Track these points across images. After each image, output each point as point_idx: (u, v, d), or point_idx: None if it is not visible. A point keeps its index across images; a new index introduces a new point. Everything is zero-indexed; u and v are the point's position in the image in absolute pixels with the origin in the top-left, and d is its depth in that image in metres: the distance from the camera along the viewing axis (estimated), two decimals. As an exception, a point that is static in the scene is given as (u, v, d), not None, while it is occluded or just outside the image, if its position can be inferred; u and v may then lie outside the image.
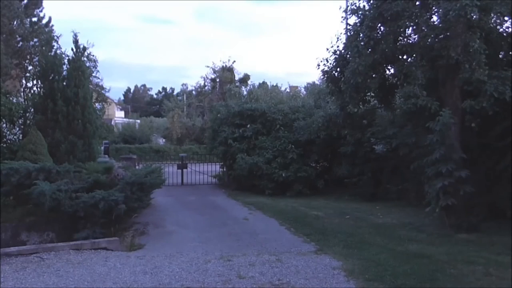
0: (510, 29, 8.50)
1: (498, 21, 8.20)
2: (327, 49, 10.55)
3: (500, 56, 8.54)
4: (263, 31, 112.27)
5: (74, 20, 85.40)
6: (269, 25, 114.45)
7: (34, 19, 17.35)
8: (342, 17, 10.04)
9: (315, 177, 13.21)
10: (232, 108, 14.37)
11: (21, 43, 15.84)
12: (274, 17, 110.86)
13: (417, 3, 8.35)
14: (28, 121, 12.35)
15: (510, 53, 8.40)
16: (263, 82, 30.88)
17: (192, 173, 15.68)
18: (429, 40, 8.09)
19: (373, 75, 9.25)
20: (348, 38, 9.62)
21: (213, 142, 14.88)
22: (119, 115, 51.54)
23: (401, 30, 8.54)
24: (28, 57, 15.75)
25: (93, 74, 18.01)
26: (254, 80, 39.75)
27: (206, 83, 30.95)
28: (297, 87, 28.17)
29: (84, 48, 13.01)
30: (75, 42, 12.46)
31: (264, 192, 12.67)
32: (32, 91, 13.64)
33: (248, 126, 13.86)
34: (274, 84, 29.17)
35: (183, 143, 31.73)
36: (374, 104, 11.79)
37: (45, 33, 15.90)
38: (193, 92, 37.83)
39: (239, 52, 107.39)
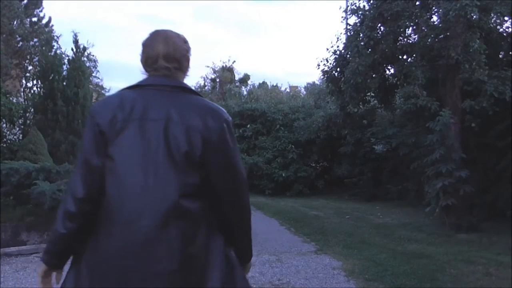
0: (510, 29, 8.52)
1: (498, 21, 8.20)
2: (327, 49, 10.56)
3: (500, 56, 8.55)
4: (263, 31, 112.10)
5: (74, 20, 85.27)
6: (269, 25, 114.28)
7: (34, 19, 17.35)
8: (342, 17, 10.06)
9: (315, 177, 13.22)
10: (232, 108, 14.39)
11: (21, 43, 15.84)
12: (274, 17, 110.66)
13: (417, 3, 8.35)
14: (28, 121, 12.35)
15: (510, 53, 8.41)
16: (263, 82, 30.81)
17: (192, 173, 15.65)
18: (429, 40, 8.09)
19: (373, 75, 9.26)
20: (348, 38, 9.62)
21: (213, 142, 14.87)
22: (119, 115, 51.54)
23: (401, 30, 8.55)
24: (28, 57, 15.74)
25: (93, 74, 18.00)
26: (254, 80, 39.68)
27: (206, 83, 30.92)
28: (297, 87, 28.13)
29: (84, 48, 12.99)
30: (75, 42, 12.45)
31: (264, 192, 12.67)
32: (32, 91, 13.62)
33: (248, 126, 13.86)
34: (274, 84, 29.10)
35: (183, 143, 31.68)
36: (374, 104, 11.80)
37: (45, 33, 15.89)
38: (193, 92, 37.82)
39: (239, 52, 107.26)
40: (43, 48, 13.73)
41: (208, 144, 1.48)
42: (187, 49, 1.66)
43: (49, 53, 12.56)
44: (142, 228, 1.40)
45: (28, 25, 16.31)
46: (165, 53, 1.57)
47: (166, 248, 1.41)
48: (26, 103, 12.87)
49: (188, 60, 1.67)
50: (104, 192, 1.47)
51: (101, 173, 1.48)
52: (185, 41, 1.65)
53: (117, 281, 1.40)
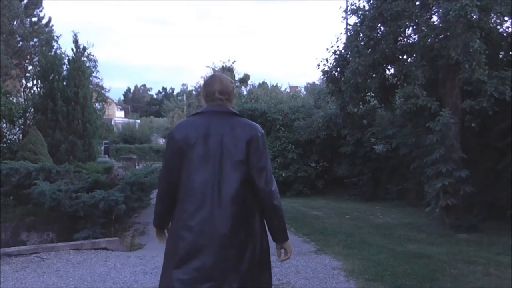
0: (510, 29, 8.51)
1: (498, 21, 8.19)
2: (327, 49, 10.53)
3: (500, 56, 8.54)
4: (263, 31, 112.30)
5: (75, 21, 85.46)
6: (269, 25, 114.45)
7: (34, 19, 17.37)
8: (342, 17, 10.04)
9: (315, 177, 13.21)
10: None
11: (21, 43, 15.85)
12: (275, 17, 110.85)
13: (417, 3, 8.34)
14: (28, 121, 12.35)
15: (510, 53, 8.40)
16: (263, 82, 30.85)
17: (192, 173, 15.63)
18: (429, 40, 8.08)
19: (373, 75, 9.24)
20: (348, 38, 9.61)
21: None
22: (119, 115, 51.56)
23: (401, 30, 8.53)
24: (28, 57, 15.75)
25: (93, 74, 18.00)
26: (254, 80, 39.76)
27: (206, 83, 30.86)
28: (297, 87, 28.15)
29: (84, 48, 13.01)
30: (75, 42, 12.46)
31: (264, 192, 12.67)
32: (32, 91, 13.63)
33: (248, 126, 13.86)
34: (274, 84, 29.17)
35: (183, 143, 31.63)
36: (374, 104, 11.78)
37: (45, 33, 15.90)
38: (193, 92, 37.86)
39: (239, 52, 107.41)
40: (43, 48, 13.72)
41: (248, 148, 2.26)
42: (234, 87, 2.50)
43: (49, 53, 12.55)
44: (209, 208, 2.20)
45: (28, 25, 16.32)
46: (220, 90, 2.40)
47: (224, 219, 2.19)
48: (26, 103, 12.87)
49: (234, 94, 2.50)
50: (179, 184, 2.30)
51: (177, 173, 2.30)
52: (231, 82, 2.50)
53: (191, 240, 2.19)
